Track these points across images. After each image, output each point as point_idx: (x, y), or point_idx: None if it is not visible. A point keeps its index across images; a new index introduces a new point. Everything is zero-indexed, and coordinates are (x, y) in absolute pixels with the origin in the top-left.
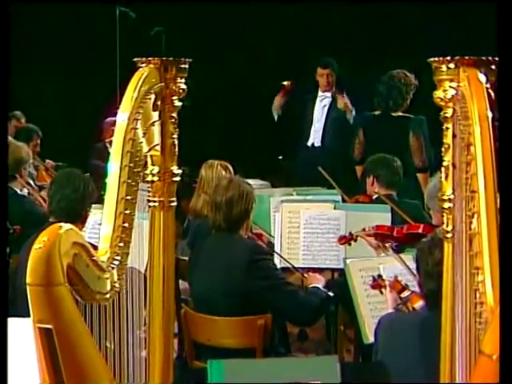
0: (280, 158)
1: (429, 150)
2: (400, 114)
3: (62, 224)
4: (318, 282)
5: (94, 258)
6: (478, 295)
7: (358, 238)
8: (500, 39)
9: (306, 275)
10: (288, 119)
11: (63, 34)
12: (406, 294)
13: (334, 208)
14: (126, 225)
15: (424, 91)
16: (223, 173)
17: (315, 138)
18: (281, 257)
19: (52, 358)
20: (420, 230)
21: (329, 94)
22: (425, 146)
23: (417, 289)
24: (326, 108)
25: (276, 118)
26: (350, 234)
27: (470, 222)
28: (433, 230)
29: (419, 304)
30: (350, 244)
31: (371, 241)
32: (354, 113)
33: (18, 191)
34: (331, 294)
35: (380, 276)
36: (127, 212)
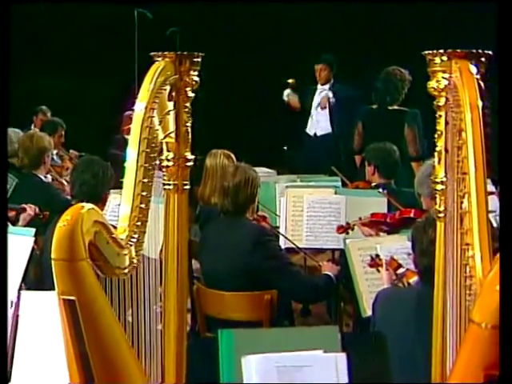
0: (285, 148)
1: (422, 140)
2: (396, 107)
3: (83, 204)
4: (332, 270)
5: (113, 236)
6: (468, 269)
7: (355, 226)
8: (499, 34)
9: (321, 264)
10: (292, 112)
11: (84, 33)
12: (401, 270)
13: (335, 193)
14: (143, 206)
15: (418, 86)
16: (226, 161)
17: (316, 128)
18: (286, 238)
19: (75, 327)
20: (411, 215)
21: (326, 87)
22: (419, 136)
23: (411, 266)
24: None
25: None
26: (348, 223)
27: (461, 202)
28: (423, 214)
29: (414, 279)
30: (347, 233)
31: (365, 232)
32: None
33: (43, 178)
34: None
35: (377, 256)
36: (144, 194)
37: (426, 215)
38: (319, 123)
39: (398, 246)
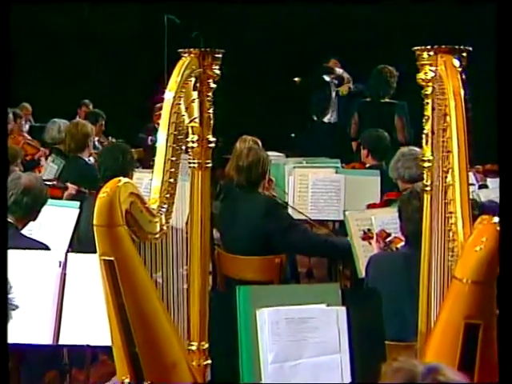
0: (292, 135)
1: (409, 129)
2: (387, 100)
3: (121, 178)
4: None
5: (146, 206)
6: (451, 234)
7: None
8: (498, 31)
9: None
10: (302, 103)
11: (122, 37)
12: (389, 238)
13: (336, 173)
14: (172, 180)
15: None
16: (253, 146)
17: (330, 115)
18: (294, 209)
19: (113, 283)
20: (394, 197)
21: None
22: (406, 125)
23: (399, 233)
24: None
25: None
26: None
27: (446, 176)
28: (400, 195)
29: (401, 244)
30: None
31: None
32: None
33: (87, 160)
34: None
35: (369, 230)
36: (172, 170)
37: (409, 189)
38: (331, 112)
39: (389, 216)
